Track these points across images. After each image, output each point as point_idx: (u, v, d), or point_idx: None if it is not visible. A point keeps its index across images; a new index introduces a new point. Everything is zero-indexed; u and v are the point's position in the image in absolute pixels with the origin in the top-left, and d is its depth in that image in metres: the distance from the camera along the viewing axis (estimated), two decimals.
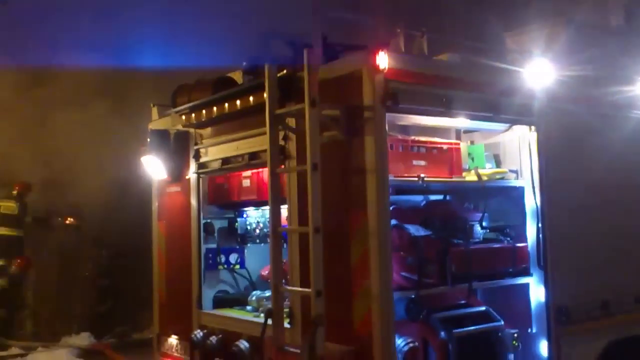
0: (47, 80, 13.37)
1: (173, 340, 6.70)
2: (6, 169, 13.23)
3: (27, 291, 13.72)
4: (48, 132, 13.03)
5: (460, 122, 5.38)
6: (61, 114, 12.99)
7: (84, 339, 13.01)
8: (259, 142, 5.39)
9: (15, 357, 11.99)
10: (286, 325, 4.94)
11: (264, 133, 4.94)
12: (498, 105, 5.21)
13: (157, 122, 6.89)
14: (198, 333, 6.10)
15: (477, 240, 5.41)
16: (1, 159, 12.99)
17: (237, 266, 6.56)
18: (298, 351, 4.46)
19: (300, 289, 4.76)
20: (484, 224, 5.56)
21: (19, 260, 13.20)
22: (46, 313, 13.57)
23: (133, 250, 13.12)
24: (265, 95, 4.93)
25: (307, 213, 4.52)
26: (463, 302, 5.23)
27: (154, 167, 6.57)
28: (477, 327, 5.00)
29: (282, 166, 5.08)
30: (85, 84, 13.01)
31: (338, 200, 4.68)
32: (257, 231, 6.71)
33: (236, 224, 6.63)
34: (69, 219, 13.63)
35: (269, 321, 4.77)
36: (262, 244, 6.68)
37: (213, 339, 5.87)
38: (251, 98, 5.46)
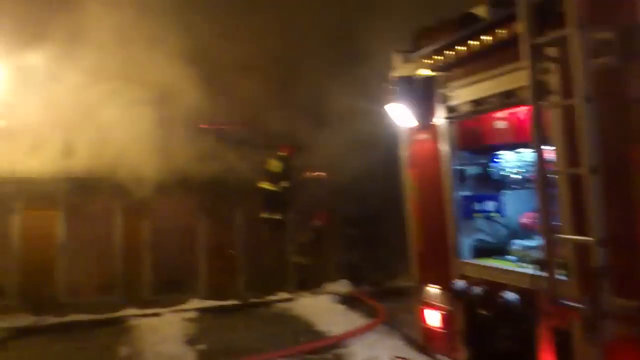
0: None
1: (433, 289, 6.61)
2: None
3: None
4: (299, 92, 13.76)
5: None
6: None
7: (343, 286, 13.69)
8: (514, 79, 4.97)
9: (285, 301, 13.07)
10: (560, 277, 4.52)
11: (519, 68, 4.50)
12: None
13: (399, 69, 6.72)
14: (459, 282, 5.92)
15: None
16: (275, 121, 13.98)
17: (494, 214, 6.21)
18: (577, 305, 4.04)
19: (577, 237, 4.29)
20: None
21: (321, 215, 14.27)
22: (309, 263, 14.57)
23: (379, 198, 13.42)
24: (518, 25, 4.47)
25: (575, 153, 4.02)
26: None
27: (400, 115, 6.44)
28: None
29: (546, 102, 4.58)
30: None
31: (614, 136, 4.09)
32: (514, 176, 6.26)
33: (490, 169, 6.27)
34: (318, 173, 14.34)
35: (541, 272, 4.39)
36: (519, 190, 6.25)
37: (476, 288, 5.65)
38: (501, 31, 5.02)
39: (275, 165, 14.29)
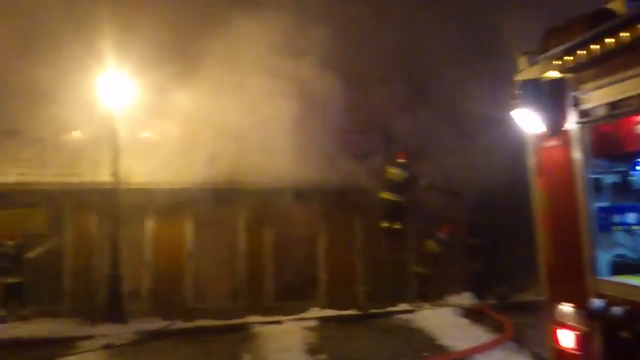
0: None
1: (566, 307, 6.12)
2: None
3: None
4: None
5: None
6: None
7: (466, 299, 13.22)
8: None
9: (405, 312, 12.80)
10: None
11: None
12: None
13: (526, 72, 6.31)
14: (596, 302, 5.43)
15: None
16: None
17: (637, 227, 5.66)
18: None
19: None
20: None
21: (447, 226, 14.07)
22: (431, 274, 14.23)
23: (505, 208, 12.84)
24: None
25: None
26: None
27: (527, 120, 6.04)
28: None
29: None
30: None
31: None
32: None
33: (631, 177, 5.73)
34: (439, 182, 13.97)
35: None
36: None
37: (616, 309, 5.15)
38: None
39: (394, 173, 14.09)
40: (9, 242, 13.56)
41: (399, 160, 14.16)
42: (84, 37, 13.25)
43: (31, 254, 13.78)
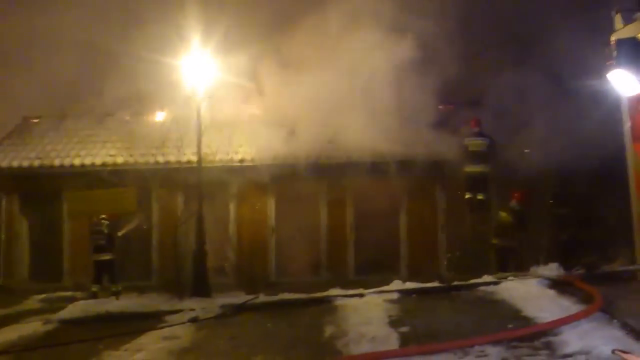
0: None
1: None
2: None
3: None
4: None
5: None
6: None
7: (552, 270, 12.86)
8: None
9: (489, 284, 12.56)
10: None
11: None
12: None
13: (622, 31, 6.03)
14: None
15: None
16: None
17: None
18: None
19: None
20: None
21: (517, 194, 13.74)
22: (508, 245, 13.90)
23: (593, 176, 12.40)
24: None
25: None
26: None
27: (623, 82, 5.78)
28: None
29: None
30: None
31: None
32: None
33: None
34: (525, 150, 13.57)
35: None
36: None
37: None
38: None
39: (475, 143, 13.80)
40: (104, 221, 14.11)
41: (477, 129, 13.84)
42: (169, 17, 13.55)
43: (121, 232, 14.33)
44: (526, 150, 13.63)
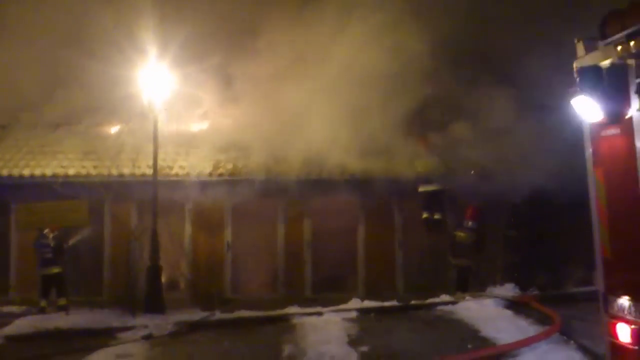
0: None
1: (623, 301, 5.94)
2: None
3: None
4: None
5: None
6: None
7: (508, 290, 13.01)
8: None
9: (447, 304, 12.63)
10: None
11: None
12: None
13: (584, 59, 6.11)
14: None
15: None
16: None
17: None
18: None
19: None
20: None
21: (469, 211, 13.78)
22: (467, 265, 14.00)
23: (551, 199, 12.60)
24: None
25: None
26: None
27: (585, 108, 5.84)
28: None
29: None
30: None
31: None
32: None
33: None
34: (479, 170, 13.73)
35: None
36: None
37: None
38: None
39: (424, 164, 13.94)
40: (49, 234, 13.70)
41: (425, 149, 13.99)
42: (126, 29, 13.33)
43: (70, 242, 13.93)
44: (472, 172, 13.76)
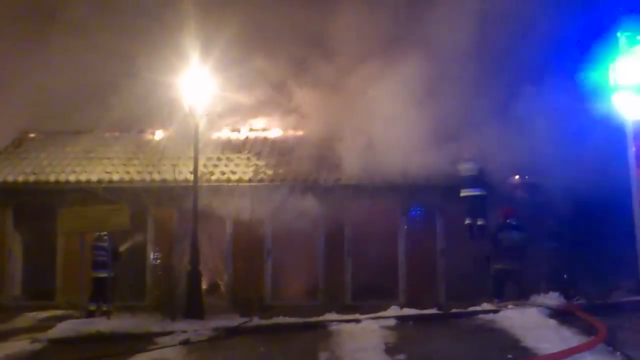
0: None
1: None
2: None
3: None
4: None
5: None
6: None
7: (553, 299, 12.61)
8: None
9: (488, 312, 12.30)
10: None
11: None
12: None
13: (628, 53, 5.87)
14: None
15: None
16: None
17: None
18: None
19: None
20: None
21: (499, 211, 13.41)
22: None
23: (597, 203, 12.16)
24: None
25: None
26: None
27: (628, 105, 5.59)
28: None
29: None
30: None
31: None
32: None
33: None
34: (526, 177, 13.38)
35: None
36: None
37: None
38: None
39: (466, 169, 13.65)
40: (106, 237, 13.87)
41: (467, 155, 13.69)
42: (167, 34, 13.51)
43: (123, 247, 14.13)
44: (525, 177, 13.41)
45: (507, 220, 13.21)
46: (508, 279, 13.19)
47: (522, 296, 12.91)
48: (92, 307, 13.67)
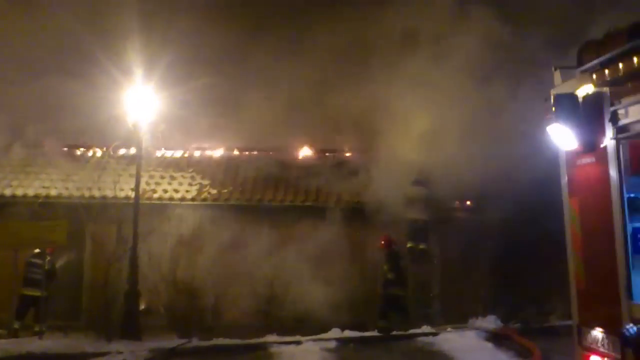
0: None
1: (597, 333, 5.82)
2: None
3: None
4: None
5: None
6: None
7: (490, 322, 12.86)
8: None
9: (427, 335, 12.46)
10: None
11: None
12: None
13: (561, 87, 6.09)
14: (631, 328, 5.12)
15: None
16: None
17: None
18: None
19: None
20: None
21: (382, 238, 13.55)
22: (453, 296, 13.85)
23: (531, 229, 12.52)
24: None
25: None
26: None
27: (561, 136, 5.79)
28: None
29: None
30: None
31: None
32: None
33: None
34: (467, 202, 13.67)
35: None
36: None
37: None
38: None
39: (412, 192, 13.88)
40: (47, 256, 13.44)
41: (415, 178, 13.91)
42: (112, 50, 13.33)
43: (56, 266, 13.73)
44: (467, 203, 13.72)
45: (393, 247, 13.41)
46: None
47: (461, 319, 13.13)
48: (17, 325, 13.18)
